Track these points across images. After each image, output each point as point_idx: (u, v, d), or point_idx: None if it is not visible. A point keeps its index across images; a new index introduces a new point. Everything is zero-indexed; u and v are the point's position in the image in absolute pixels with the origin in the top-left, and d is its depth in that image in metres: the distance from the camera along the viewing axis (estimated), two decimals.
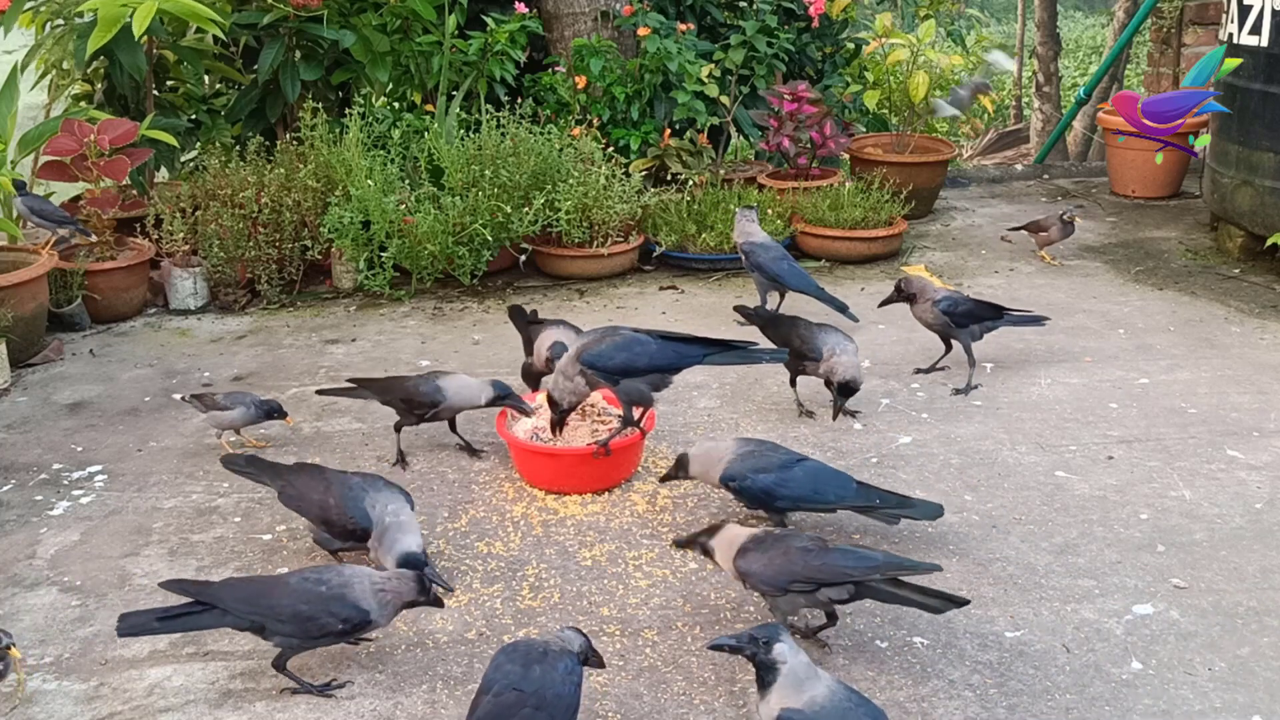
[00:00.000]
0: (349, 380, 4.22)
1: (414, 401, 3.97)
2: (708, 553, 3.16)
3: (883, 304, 4.78)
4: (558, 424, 3.85)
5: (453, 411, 4.04)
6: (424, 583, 2.93)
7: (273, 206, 5.49)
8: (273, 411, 4.08)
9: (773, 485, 3.42)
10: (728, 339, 3.88)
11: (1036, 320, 4.72)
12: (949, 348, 4.68)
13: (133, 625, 2.89)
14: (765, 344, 4.18)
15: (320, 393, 4.31)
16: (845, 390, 4.14)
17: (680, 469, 3.60)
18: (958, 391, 4.54)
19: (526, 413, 4.00)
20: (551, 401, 3.81)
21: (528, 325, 4.44)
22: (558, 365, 3.83)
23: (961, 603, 2.95)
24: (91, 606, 3.32)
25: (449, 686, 2.96)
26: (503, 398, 3.94)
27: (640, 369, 3.72)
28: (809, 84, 6.57)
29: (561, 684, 2.52)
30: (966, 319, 4.54)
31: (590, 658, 2.69)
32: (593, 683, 2.95)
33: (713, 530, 3.16)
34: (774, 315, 4.55)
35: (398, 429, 4.05)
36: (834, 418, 4.23)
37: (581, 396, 3.80)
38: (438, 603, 2.99)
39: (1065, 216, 5.96)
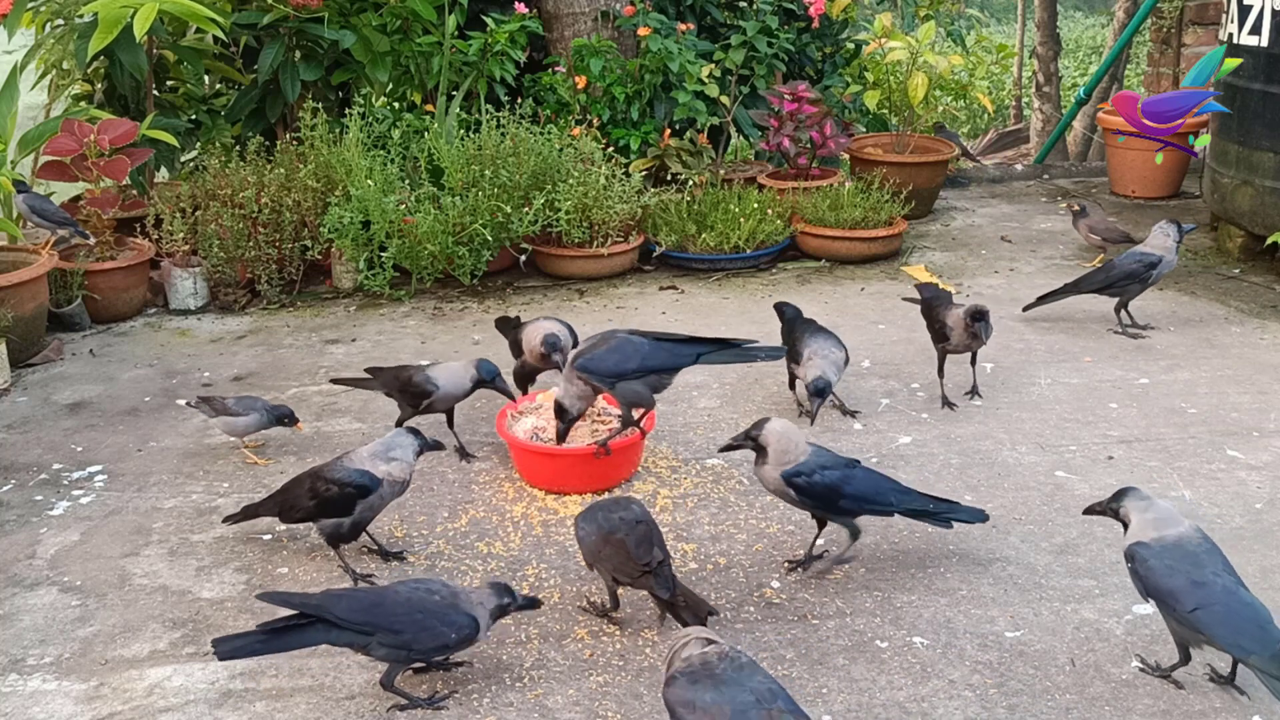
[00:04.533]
0: (365, 370, 4.25)
1: (408, 391, 4.00)
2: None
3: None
4: (563, 434, 3.82)
5: (446, 402, 4.03)
6: (509, 591, 2.93)
7: (273, 206, 5.49)
8: (283, 417, 4.07)
9: (838, 481, 3.29)
10: (724, 337, 3.87)
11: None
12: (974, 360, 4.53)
13: (232, 649, 2.78)
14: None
15: (334, 381, 4.37)
16: (815, 390, 4.02)
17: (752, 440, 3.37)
18: (969, 394, 4.50)
19: (511, 397, 4.04)
20: (560, 409, 3.79)
21: (513, 327, 4.41)
22: (563, 374, 3.82)
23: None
24: (91, 606, 3.32)
25: (448, 686, 2.96)
26: (487, 381, 3.95)
27: (633, 371, 3.71)
28: (809, 84, 6.57)
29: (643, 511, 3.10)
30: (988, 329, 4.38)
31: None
32: (592, 682, 2.96)
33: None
34: (793, 319, 4.48)
35: (456, 442, 4.12)
36: (810, 421, 4.09)
37: (588, 401, 3.80)
38: (532, 604, 2.97)
39: (1074, 207, 6.02)
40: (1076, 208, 6.04)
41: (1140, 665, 3.00)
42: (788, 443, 3.30)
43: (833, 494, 3.28)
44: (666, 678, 2.53)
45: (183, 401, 4.32)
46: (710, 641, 2.57)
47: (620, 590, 3.14)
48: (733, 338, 3.87)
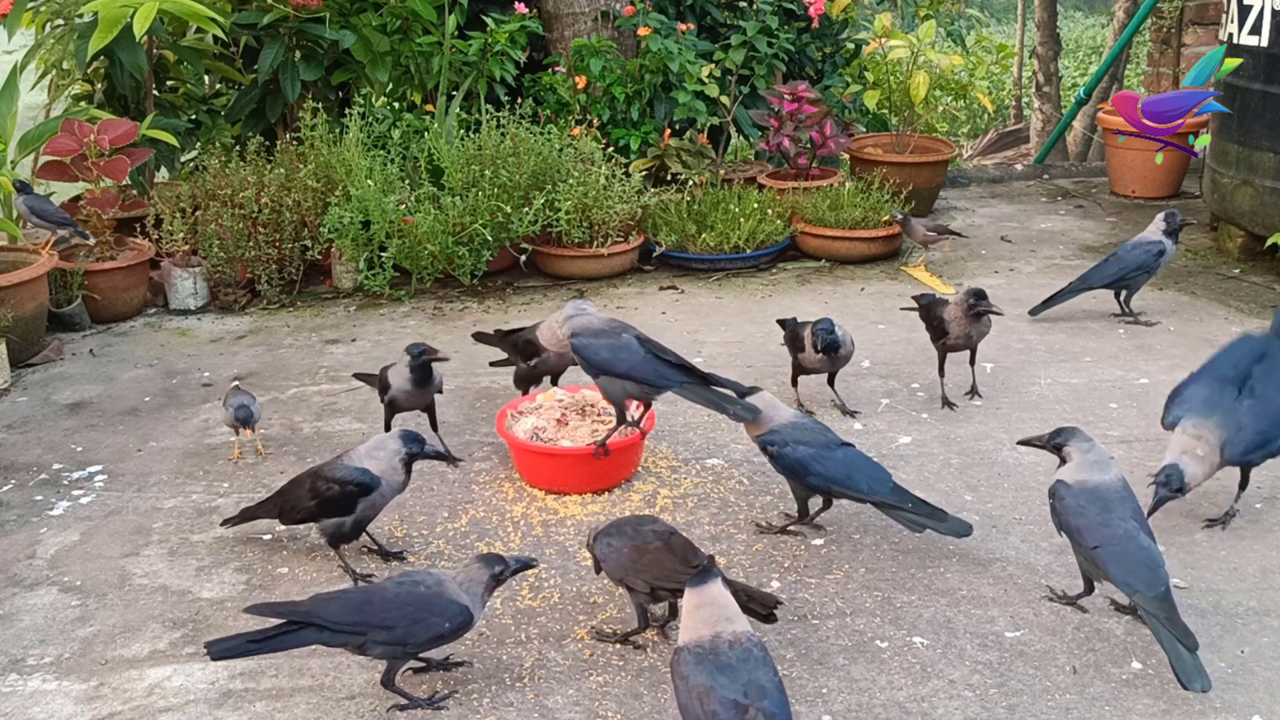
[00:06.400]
0: (383, 369, 4.20)
1: (381, 390, 4.02)
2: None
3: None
4: (528, 379, 4.03)
5: (407, 398, 3.96)
6: (495, 563, 2.92)
7: (273, 206, 5.49)
8: (242, 421, 4.01)
9: (809, 458, 3.46)
10: (716, 376, 3.70)
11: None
12: (973, 358, 4.50)
13: (225, 649, 2.79)
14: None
15: (356, 376, 4.42)
16: (829, 348, 4.17)
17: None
18: (969, 394, 4.49)
19: (443, 359, 3.94)
20: (535, 346, 3.98)
21: (506, 335, 4.33)
22: (559, 316, 3.86)
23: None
24: (91, 606, 3.32)
25: (448, 686, 2.96)
26: (418, 357, 3.87)
27: (618, 373, 3.69)
28: (809, 84, 6.57)
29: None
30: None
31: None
32: (592, 682, 2.96)
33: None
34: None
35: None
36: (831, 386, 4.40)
37: (559, 349, 3.91)
38: (526, 565, 2.99)
39: (898, 216, 5.84)
40: (900, 217, 5.86)
41: (1049, 595, 3.26)
42: (765, 416, 3.56)
43: (801, 468, 3.48)
44: (678, 645, 2.58)
45: (235, 382, 4.29)
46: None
47: (653, 606, 3.09)
48: (722, 379, 3.68)
